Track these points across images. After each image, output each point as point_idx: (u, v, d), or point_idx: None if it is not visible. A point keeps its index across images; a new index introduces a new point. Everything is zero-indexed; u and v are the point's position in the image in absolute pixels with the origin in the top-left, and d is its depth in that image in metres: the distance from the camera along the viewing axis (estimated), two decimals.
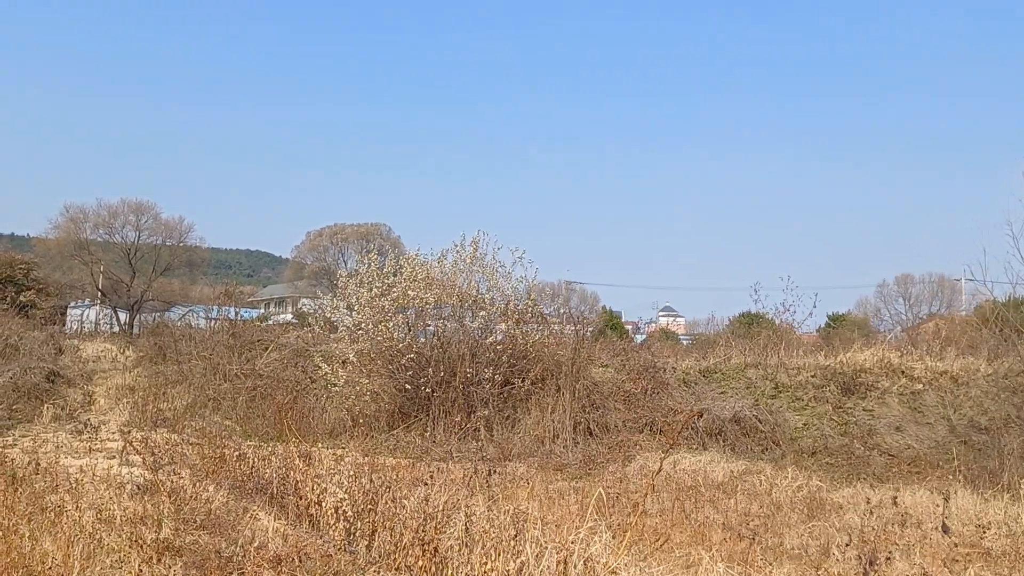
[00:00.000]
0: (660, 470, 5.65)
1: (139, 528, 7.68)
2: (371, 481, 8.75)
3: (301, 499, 8.62)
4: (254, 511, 8.94)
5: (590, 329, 19.04)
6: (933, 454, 13.91)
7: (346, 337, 15.83)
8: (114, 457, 13.12)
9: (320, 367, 16.53)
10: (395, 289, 15.63)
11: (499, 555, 5.63)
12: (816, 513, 10.09)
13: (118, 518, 8.12)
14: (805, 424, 15.33)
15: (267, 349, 19.83)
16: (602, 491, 6.14)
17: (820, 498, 10.98)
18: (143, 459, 10.97)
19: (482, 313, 15.34)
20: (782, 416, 15.50)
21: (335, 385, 15.87)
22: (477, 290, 15.90)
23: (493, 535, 6.46)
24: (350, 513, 7.19)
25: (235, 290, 22.49)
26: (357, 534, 6.95)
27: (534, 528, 5.99)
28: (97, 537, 7.55)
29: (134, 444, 12.92)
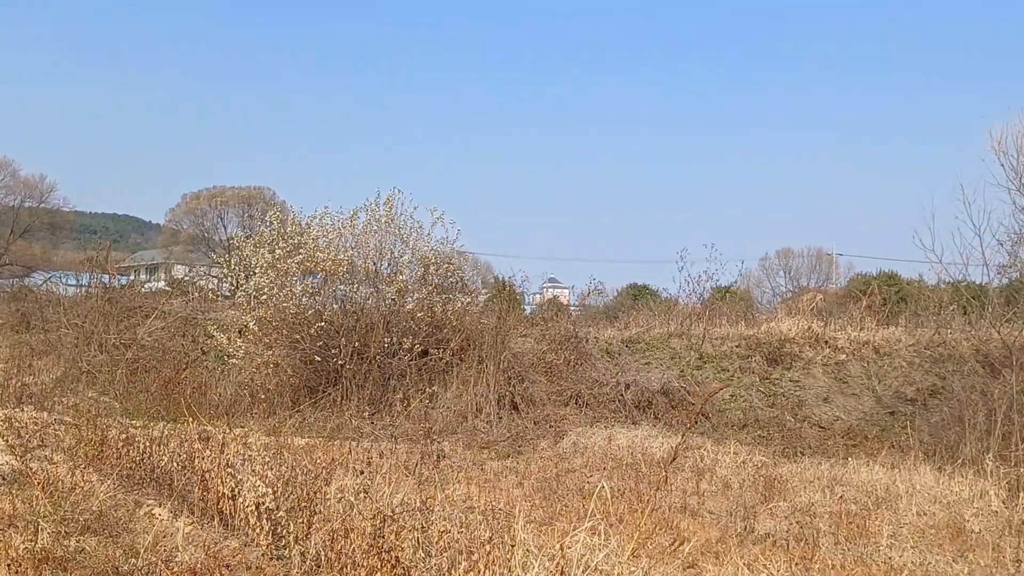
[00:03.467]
0: (675, 459, 4.69)
1: (8, 533, 6.19)
2: (294, 469, 7.49)
3: (208, 492, 7.27)
4: (149, 506, 7.53)
5: (484, 297, 17.97)
6: (862, 425, 13.71)
7: (244, 303, 14.22)
8: None
9: (214, 336, 14.86)
10: (301, 251, 14.12)
11: (488, 568, 4.55)
12: (772, 493, 9.48)
13: None
14: (732, 396, 14.89)
15: (148, 317, 17.87)
16: (605, 485, 5.09)
17: (768, 475, 10.41)
18: (7, 442, 9.30)
19: (400, 278, 14.05)
20: (709, 387, 14.99)
21: (232, 357, 14.28)
22: (392, 253, 14.58)
23: (460, 537, 5.38)
24: (281, 512, 5.93)
25: (108, 252, 20.19)
26: (291, 537, 5.72)
27: (516, 528, 4.95)
28: None
29: None
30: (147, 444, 9.05)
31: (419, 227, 14.69)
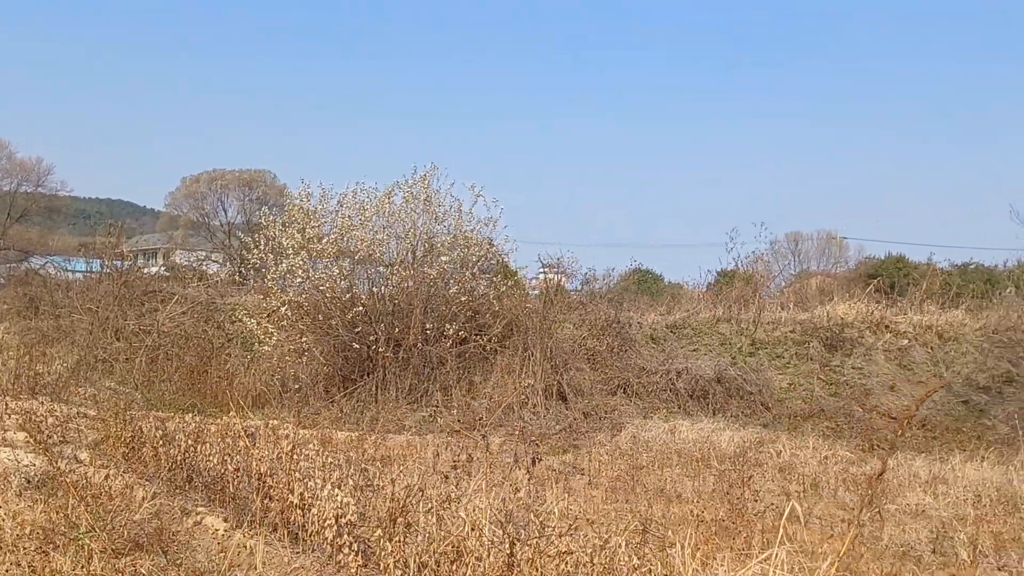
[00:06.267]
0: (884, 471, 3.83)
1: (50, 554, 5.32)
2: (367, 472, 6.63)
3: (271, 500, 6.38)
4: (200, 515, 6.65)
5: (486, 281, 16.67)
6: (936, 416, 12.87)
7: (275, 287, 13.30)
8: None
9: (242, 322, 13.94)
10: (334, 231, 13.20)
11: None
12: (874, 494, 8.62)
13: (8, 532, 5.71)
14: (791, 384, 14.05)
15: (164, 301, 16.94)
16: (796, 505, 4.24)
17: (862, 473, 9.57)
18: (32, 437, 8.40)
19: (443, 259, 13.13)
20: (764, 375, 14.16)
21: (264, 344, 13.37)
22: (429, 233, 13.64)
23: (593, 561, 4.52)
24: (377, 530, 5.04)
25: (120, 236, 19.18)
26: (389, 560, 4.84)
27: (683, 557, 4.09)
28: None
29: (15, 416, 10.21)
30: (188, 441, 8.12)
31: (459, 206, 13.76)
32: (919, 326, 14.85)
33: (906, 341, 14.62)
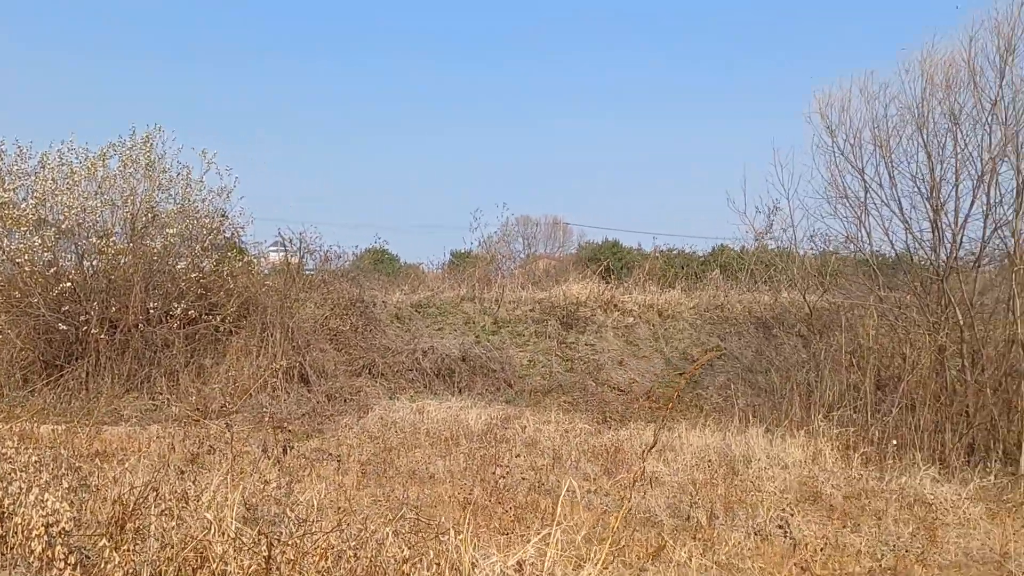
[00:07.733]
0: (655, 444, 3.86)
1: None
2: (87, 469, 5.73)
3: None
4: None
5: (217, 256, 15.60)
6: (658, 388, 13.87)
7: None
8: None
9: None
10: (34, 195, 11.44)
11: None
12: (613, 464, 9.03)
13: None
14: (531, 361, 14.48)
15: None
16: (575, 483, 4.16)
17: (600, 444, 9.99)
18: None
19: (169, 231, 11.84)
20: (507, 353, 14.47)
21: None
22: (151, 201, 12.26)
23: (359, 555, 4.17)
24: (102, 539, 4.26)
25: None
26: (117, 573, 4.12)
27: (462, 542, 3.84)
28: None
29: None
30: None
31: (188, 173, 12.52)
32: (643, 305, 15.94)
33: (632, 319, 15.63)
